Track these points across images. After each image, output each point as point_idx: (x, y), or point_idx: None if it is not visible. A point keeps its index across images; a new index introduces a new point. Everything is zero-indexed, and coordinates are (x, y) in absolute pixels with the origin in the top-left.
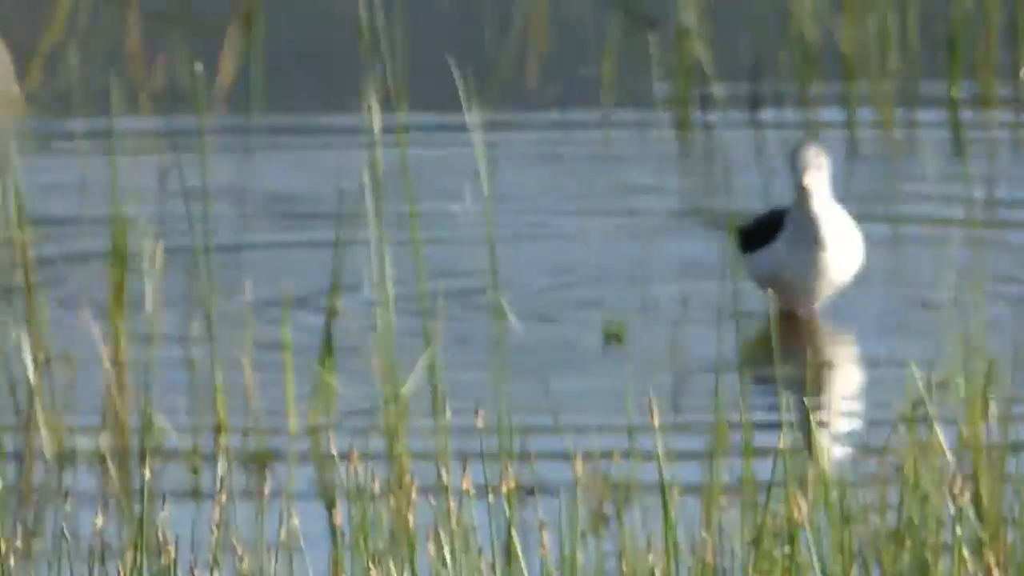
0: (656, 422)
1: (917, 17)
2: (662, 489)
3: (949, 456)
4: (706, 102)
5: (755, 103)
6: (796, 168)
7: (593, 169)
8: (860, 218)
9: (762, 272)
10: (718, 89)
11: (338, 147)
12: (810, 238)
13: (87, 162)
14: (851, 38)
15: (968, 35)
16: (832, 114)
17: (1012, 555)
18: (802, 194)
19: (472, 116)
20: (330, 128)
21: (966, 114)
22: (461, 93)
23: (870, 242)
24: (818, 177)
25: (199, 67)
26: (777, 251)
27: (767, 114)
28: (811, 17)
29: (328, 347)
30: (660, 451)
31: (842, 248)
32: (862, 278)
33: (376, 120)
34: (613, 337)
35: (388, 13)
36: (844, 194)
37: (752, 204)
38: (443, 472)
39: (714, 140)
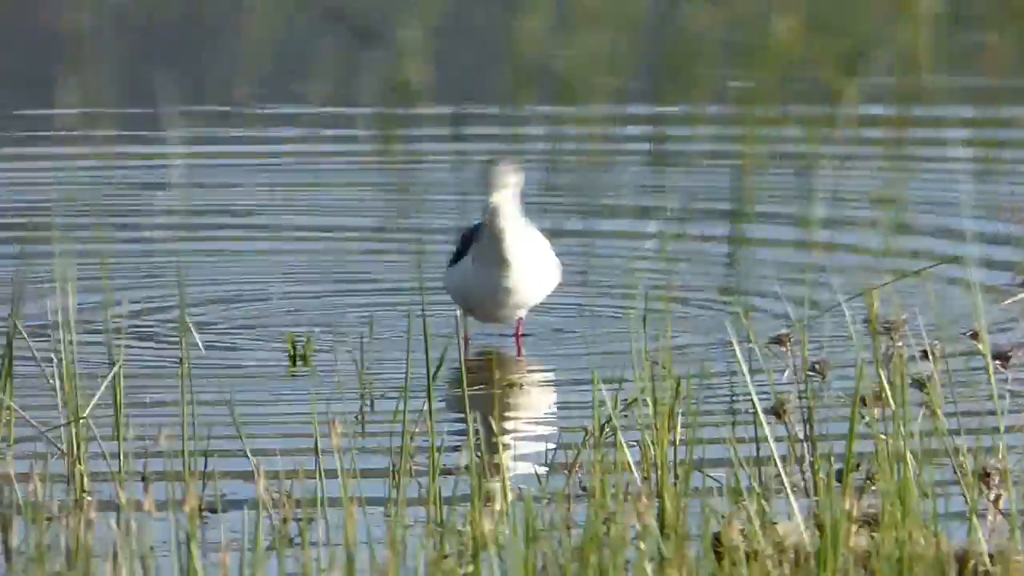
0: (337, 441)
1: (629, 42)
2: (345, 507)
3: (635, 474)
4: (414, 120)
5: (459, 122)
6: (486, 186)
7: (297, 185)
8: (558, 234)
9: (453, 288)
10: (429, 107)
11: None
12: (495, 256)
13: None
14: (570, 59)
15: (681, 57)
16: (538, 131)
17: (695, 571)
18: (489, 212)
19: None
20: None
21: (672, 131)
22: (167, 109)
23: (570, 256)
24: (506, 195)
25: None
26: (465, 268)
27: (475, 131)
28: (531, 39)
29: (8, 369)
30: (341, 470)
31: (528, 267)
32: (558, 295)
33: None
34: (299, 357)
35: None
36: (545, 210)
37: (449, 222)
38: (122, 492)
39: (419, 157)
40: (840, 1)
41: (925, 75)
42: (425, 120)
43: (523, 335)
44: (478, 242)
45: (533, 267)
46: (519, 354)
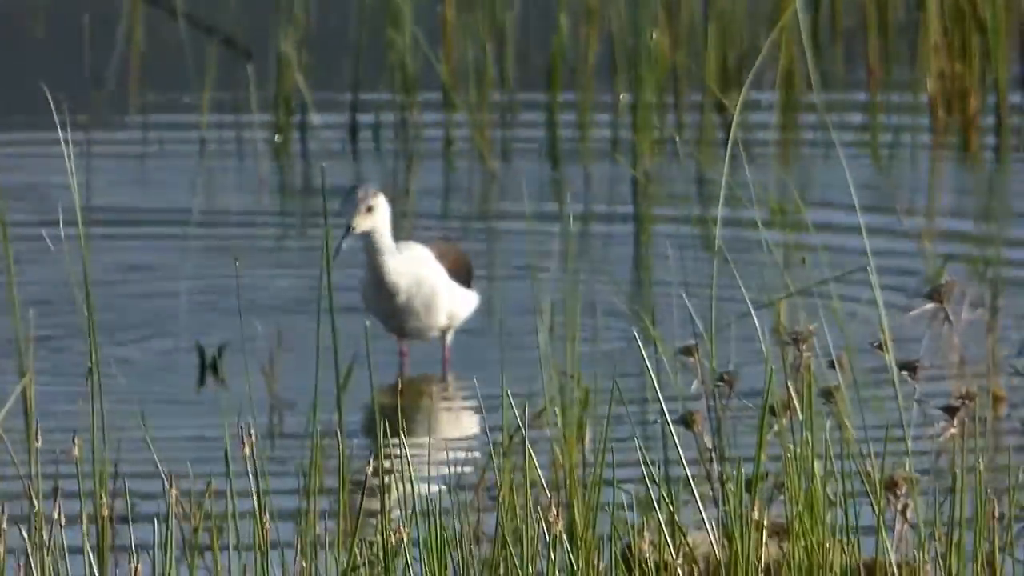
0: (249, 452)
1: (514, 45)
2: (256, 518)
3: (544, 483)
4: (304, 130)
5: (354, 131)
6: (345, 211)
7: (193, 194)
8: (462, 238)
9: (365, 306)
10: (316, 117)
11: None
12: (377, 282)
13: None
14: (449, 66)
15: (566, 62)
16: (434, 136)
17: None
18: (366, 237)
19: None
20: None
21: (564, 131)
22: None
23: (475, 264)
24: (368, 221)
25: None
26: (364, 290)
27: (366, 142)
28: (411, 47)
29: None
30: (254, 482)
31: (416, 292)
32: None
33: None
34: (210, 368)
35: None
36: (444, 214)
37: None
38: (35, 500)
39: (311, 168)
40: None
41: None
42: (315, 128)
43: (449, 355)
44: (367, 266)
45: (422, 291)
46: (444, 376)
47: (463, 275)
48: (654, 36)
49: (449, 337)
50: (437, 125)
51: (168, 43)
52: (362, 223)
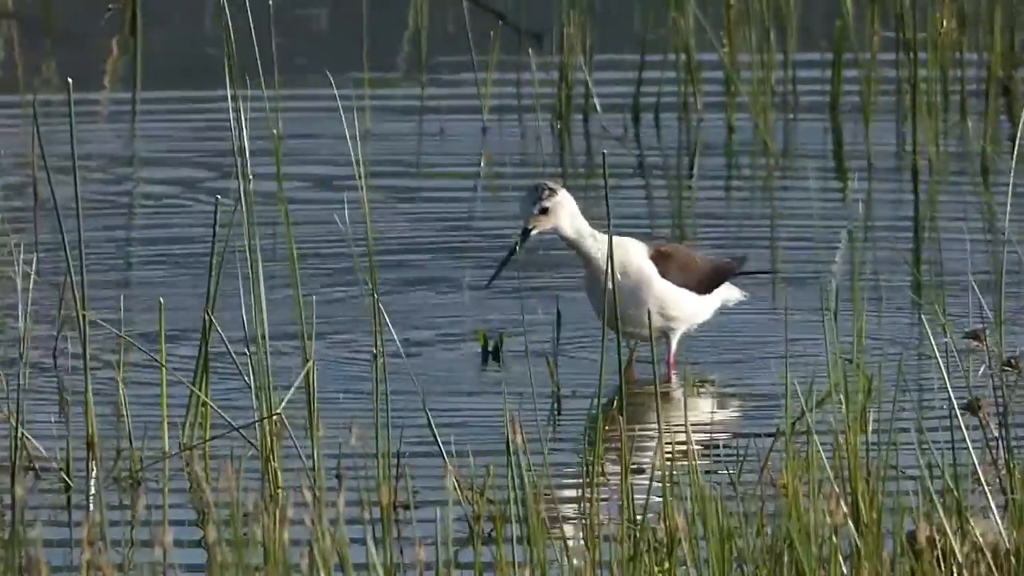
0: (521, 439)
1: (797, 28)
2: (535, 505)
3: (828, 470)
4: (586, 113)
5: (636, 114)
6: (522, 213)
7: (474, 181)
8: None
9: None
10: (598, 101)
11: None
12: (587, 274)
13: None
14: (731, 50)
15: (849, 45)
16: (716, 120)
17: (889, 569)
18: (562, 236)
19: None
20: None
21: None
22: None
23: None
24: (545, 220)
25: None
26: (585, 288)
27: (648, 126)
28: (694, 30)
29: (204, 365)
30: (524, 468)
31: (622, 288)
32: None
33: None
34: (490, 353)
35: None
36: (726, 198)
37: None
38: (318, 489)
39: (592, 152)
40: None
41: None
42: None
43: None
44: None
45: (628, 281)
46: (668, 379)
47: (692, 279)
48: (944, 23)
49: (674, 342)
50: (718, 107)
51: (453, 24)
52: (539, 224)
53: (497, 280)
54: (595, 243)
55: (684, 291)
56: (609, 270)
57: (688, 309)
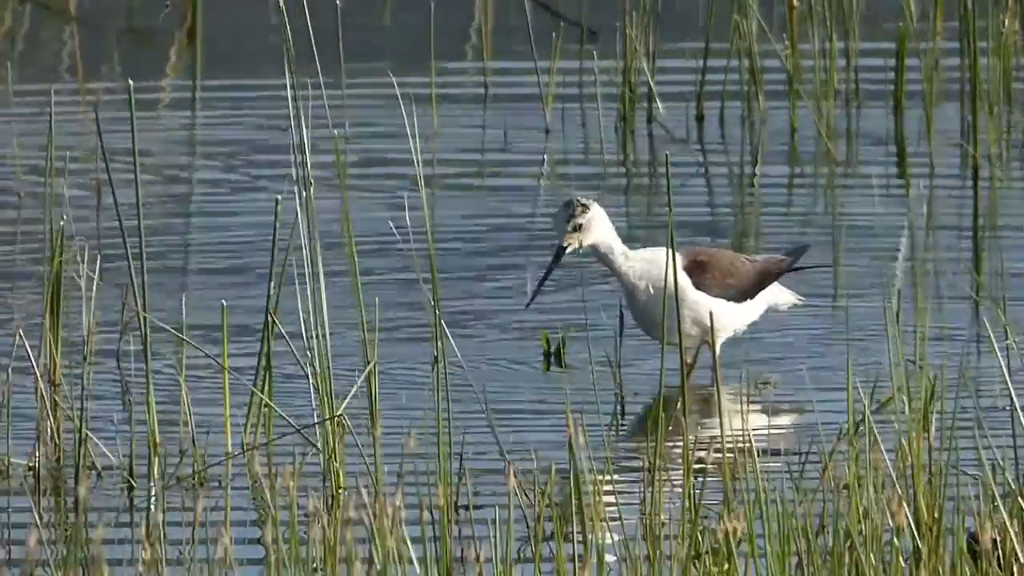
0: (582, 440)
1: (860, 30)
2: (596, 505)
3: (890, 472)
4: (650, 116)
5: (700, 117)
6: (556, 230)
7: (537, 181)
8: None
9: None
10: (661, 103)
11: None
12: (622, 288)
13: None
14: (794, 54)
15: (912, 49)
16: (779, 124)
17: (950, 571)
18: (594, 251)
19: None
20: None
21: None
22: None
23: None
24: (578, 237)
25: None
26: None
27: (712, 128)
28: (756, 34)
29: (266, 367)
30: (584, 469)
31: (649, 291)
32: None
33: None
34: (552, 355)
35: None
36: (786, 204)
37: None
38: (377, 488)
39: (656, 154)
40: None
41: None
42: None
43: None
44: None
45: (661, 295)
46: (713, 384)
47: (731, 287)
48: (1005, 22)
49: (717, 349)
50: (782, 110)
51: (515, 22)
52: (573, 241)
53: (542, 291)
54: (626, 260)
55: (720, 302)
56: (672, 276)
57: (724, 320)
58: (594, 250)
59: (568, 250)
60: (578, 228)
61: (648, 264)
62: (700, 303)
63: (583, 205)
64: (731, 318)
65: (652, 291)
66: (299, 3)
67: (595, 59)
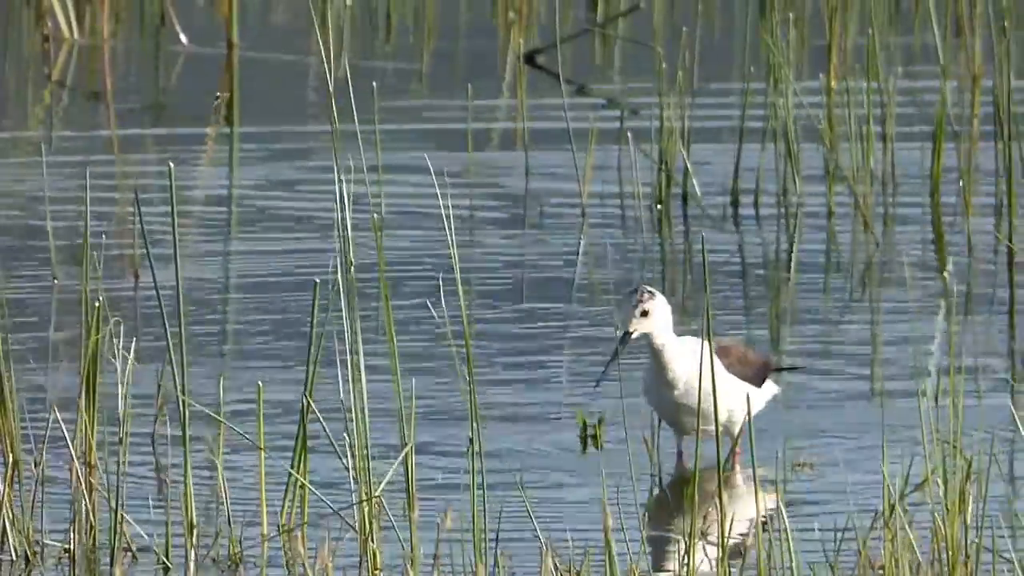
0: (617, 523)
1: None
2: None
3: (924, 552)
4: (685, 197)
5: (735, 198)
6: (622, 316)
7: (572, 265)
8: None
9: (647, 400)
10: (697, 184)
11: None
12: (657, 376)
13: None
14: (832, 131)
15: (949, 124)
16: (816, 203)
17: None
18: (646, 336)
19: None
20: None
21: None
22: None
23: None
24: (645, 323)
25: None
26: (645, 382)
27: (747, 208)
28: (792, 113)
29: (302, 447)
30: (618, 553)
31: (689, 383)
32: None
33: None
34: (589, 435)
35: None
36: (824, 287)
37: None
38: (414, 571)
39: (692, 236)
40: None
41: None
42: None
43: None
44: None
45: (699, 387)
46: (733, 467)
47: (749, 373)
48: None
49: (736, 431)
50: (819, 192)
51: (548, 104)
52: (639, 327)
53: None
54: (678, 348)
55: (747, 384)
56: (710, 366)
57: (753, 406)
58: (653, 338)
59: (635, 335)
60: (645, 314)
61: (692, 357)
62: (735, 387)
63: (649, 291)
64: (755, 401)
65: (690, 378)
66: (343, 88)
67: (632, 148)
